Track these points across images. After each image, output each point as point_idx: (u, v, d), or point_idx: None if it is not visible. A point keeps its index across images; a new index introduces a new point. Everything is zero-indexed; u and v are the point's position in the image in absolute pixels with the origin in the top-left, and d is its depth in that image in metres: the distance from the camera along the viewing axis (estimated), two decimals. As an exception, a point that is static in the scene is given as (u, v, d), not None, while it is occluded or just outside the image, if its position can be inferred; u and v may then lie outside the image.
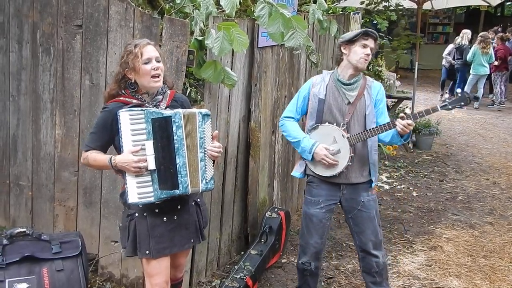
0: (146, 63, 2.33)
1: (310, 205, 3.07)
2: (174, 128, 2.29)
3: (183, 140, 2.32)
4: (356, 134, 2.91)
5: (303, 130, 3.10)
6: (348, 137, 2.91)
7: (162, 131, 2.28)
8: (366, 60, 2.91)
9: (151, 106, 2.38)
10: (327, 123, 2.97)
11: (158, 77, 2.36)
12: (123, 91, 2.41)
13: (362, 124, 2.96)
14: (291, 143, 3.14)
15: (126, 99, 2.38)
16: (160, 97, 2.43)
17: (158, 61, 2.37)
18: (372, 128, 2.91)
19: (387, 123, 2.89)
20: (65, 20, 3.18)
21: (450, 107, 2.90)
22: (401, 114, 2.84)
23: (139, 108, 2.29)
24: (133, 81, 2.38)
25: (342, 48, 2.98)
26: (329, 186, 3.02)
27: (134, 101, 2.37)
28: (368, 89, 2.99)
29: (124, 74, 2.38)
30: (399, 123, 2.80)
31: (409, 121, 2.80)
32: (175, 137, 2.30)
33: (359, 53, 2.89)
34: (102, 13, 3.08)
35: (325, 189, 3.03)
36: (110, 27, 3.08)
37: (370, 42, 2.91)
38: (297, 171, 3.16)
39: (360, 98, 2.96)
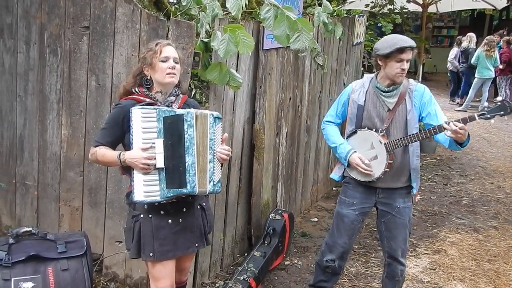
0: (163, 61, 2.37)
1: (344, 206, 3.07)
2: (185, 127, 2.30)
3: (193, 140, 2.32)
4: (394, 141, 2.86)
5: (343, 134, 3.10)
6: (385, 144, 2.87)
7: (173, 129, 2.28)
8: (402, 74, 2.82)
9: (163, 106, 2.39)
10: (366, 128, 2.94)
11: (173, 74, 2.38)
12: (137, 89, 2.43)
13: (402, 129, 2.90)
14: (331, 147, 3.16)
15: (140, 97, 2.41)
16: (173, 98, 2.45)
17: (176, 62, 2.40)
18: (411, 135, 2.84)
19: (428, 129, 2.80)
20: (73, 22, 3.20)
21: (488, 116, 2.73)
22: (444, 125, 2.69)
23: (152, 107, 2.30)
24: (148, 77, 2.41)
25: (378, 60, 2.89)
26: (365, 189, 3.01)
27: (147, 100, 2.39)
28: (409, 93, 2.91)
29: (142, 70, 2.42)
30: (448, 130, 2.65)
31: (459, 125, 2.61)
32: (185, 136, 2.30)
33: (395, 68, 2.81)
34: (109, 14, 3.11)
35: (361, 191, 3.02)
36: (117, 28, 3.11)
37: (406, 55, 2.80)
38: (335, 174, 3.15)
39: (400, 104, 2.90)
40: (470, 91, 10.65)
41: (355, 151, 2.96)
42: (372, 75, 3.02)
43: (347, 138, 3.03)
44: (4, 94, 3.44)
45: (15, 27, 3.34)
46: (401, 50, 2.78)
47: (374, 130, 2.92)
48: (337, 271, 3.18)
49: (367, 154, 2.93)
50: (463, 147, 2.78)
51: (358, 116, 2.96)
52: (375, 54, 2.90)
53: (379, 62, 2.89)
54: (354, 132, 3.00)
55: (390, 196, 2.99)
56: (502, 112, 2.71)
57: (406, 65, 2.83)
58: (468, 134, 2.70)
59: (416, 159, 2.99)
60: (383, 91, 2.91)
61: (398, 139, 2.87)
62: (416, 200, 3.03)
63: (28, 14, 3.30)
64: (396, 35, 3.00)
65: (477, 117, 2.72)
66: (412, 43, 2.83)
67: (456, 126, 2.62)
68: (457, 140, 2.71)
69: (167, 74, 2.37)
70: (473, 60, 10.35)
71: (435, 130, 2.77)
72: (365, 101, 2.95)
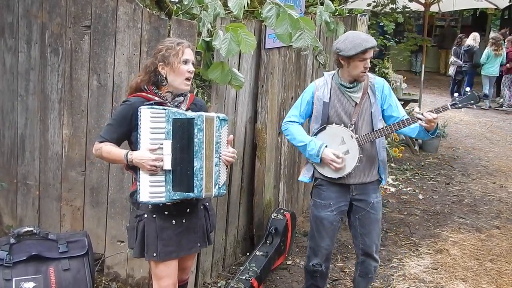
0: (184, 63, 2.36)
1: (320, 208, 3.04)
2: (195, 131, 2.29)
3: (202, 144, 2.31)
4: (365, 135, 2.89)
5: (308, 133, 3.07)
6: (357, 138, 2.89)
7: (183, 132, 2.27)
8: (365, 73, 2.86)
9: (172, 106, 2.38)
10: (334, 124, 2.95)
11: (190, 80, 2.39)
12: (146, 87, 2.41)
13: (369, 123, 2.94)
14: (297, 147, 3.11)
15: (149, 95, 2.38)
16: (181, 98, 2.44)
17: (193, 64, 2.41)
18: (381, 128, 2.89)
19: (396, 123, 2.87)
20: (74, 21, 3.19)
21: (460, 105, 2.86)
22: (417, 115, 2.78)
23: (161, 107, 2.28)
24: (164, 76, 2.38)
25: (340, 59, 2.87)
26: (339, 188, 3.00)
27: (157, 98, 2.37)
28: (371, 86, 2.97)
29: (156, 66, 2.38)
30: (422, 119, 2.75)
31: (434, 115, 2.75)
32: (195, 140, 2.29)
33: (359, 69, 2.83)
34: (110, 14, 3.10)
35: (335, 191, 3.00)
36: (118, 28, 3.10)
37: (369, 54, 2.82)
38: (305, 176, 3.11)
39: (364, 97, 2.94)
40: (486, 91, 10.64)
41: (326, 146, 2.93)
42: (333, 72, 3.03)
43: (315, 135, 2.99)
44: (5, 93, 3.43)
45: (16, 26, 3.33)
46: (365, 51, 2.80)
47: (342, 125, 2.93)
48: (325, 273, 3.18)
49: (338, 149, 2.93)
50: (433, 135, 2.91)
51: (324, 113, 2.95)
52: (337, 54, 2.86)
53: (342, 62, 2.88)
54: (322, 129, 2.97)
55: (364, 192, 3.00)
56: (472, 101, 2.86)
57: (368, 64, 2.86)
58: (437, 123, 2.85)
59: (383, 151, 3.02)
60: (348, 87, 2.93)
61: (369, 133, 2.89)
62: (385, 192, 3.08)
63: (29, 13, 3.29)
64: (356, 33, 3.00)
65: (449, 107, 2.87)
66: (374, 42, 2.84)
67: (431, 116, 2.75)
68: (427, 129, 2.83)
69: (185, 79, 2.36)
70: (482, 59, 10.39)
71: (408, 121, 2.85)
72: (330, 98, 2.95)
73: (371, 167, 2.99)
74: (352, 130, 2.91)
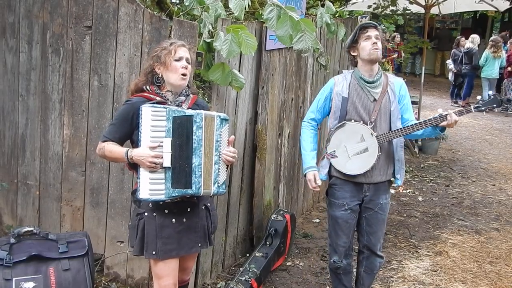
0: (177, 61, 2.41)
1: (335, 208, 3.07)
2: (194, 128, 2.32)
3: (201, 141, 2.34)
4: (385, 134, 2.91)
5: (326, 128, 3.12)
6: (377, 136, 2.90)
7: (182, 129, 2.30)
8: (376, 48, 2.89)
9: (173, 105, 2.41)
10: (353, 120, 2.95)
11: (186, 75, 2.42)
12: (147, 87, 2.45)
13: (387, 121, 2.96)
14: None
15: (150, 95, 2.42)
16: (183, 98, 2.47)
17: (188, 63, 2.45)
18: (401, 128, 2.91)
19: (419, 122, 2.90)
20: (75, 21, 3.20)
21: (483, 108, 2.94)
22: (444, 117, 2.85)
23: (162, 106, 2.31)
24: (160, 75, 2.44)
25: (351, 53, 3.01)
26: (352, 186, 3.01)
27: (158, 98, 2.41)
28: (390, 85, 3.00)
29: (153, 68, 2.44)
30: (449, 120, 2.82)
31: (456, 118, 2.85)
32: (194, 137, 2.32)
33: (367, 46, 2.90)
34: (111, 14, 3.10)
35: (349, 190, 3.02)
36: (119, 28, 3.10)
37: (371, 32, 2.91)
38: (320, 173, 3.11)
39: (384, 95, 2.96)
40: (484, 92, 10.64)
41: (315, 170, 3.00)
42: (351, 70, 3.07)
43: (334, 131, 2.98)
44: (6, 93, 3.44)
45: (18, 27, 3.34)
46: (362, 27, 2.91)
47: (361, 122, 2.94)
48: (348, 269, 3.19)
49: (357, 147, 2.93)
50: (442, 132, 2.98)
51: (343, 108, 2.97)
52: (347, 50, 3.04)
53: (353, 54, 3.00)
54: (342, 125, 2.97)
55: (375, 193, 3.03)
56: (495, 105, 2.97)
57: (375, 40, 2.89)
58: None
59: (400, 150, 3.04)
60: (368, 82, 2.95)
61: (388, 132, 2.91)
62: (401, 190, 3.12)
63: (30, 14, 3.29)
64: None
65: (473, 109, 2.92)
66: (373, 22, 2.98)
67: (456, 119, 2.85)
68: (445, 126, 2.90)
69: (180, 74, 2.41)
70: (481, 61, 10.40)
71: (431, 122, 2.87)
72: (349, 93, 2.97)
73: (387, 166, 3.00)
74: (371, 128, 2.92)
